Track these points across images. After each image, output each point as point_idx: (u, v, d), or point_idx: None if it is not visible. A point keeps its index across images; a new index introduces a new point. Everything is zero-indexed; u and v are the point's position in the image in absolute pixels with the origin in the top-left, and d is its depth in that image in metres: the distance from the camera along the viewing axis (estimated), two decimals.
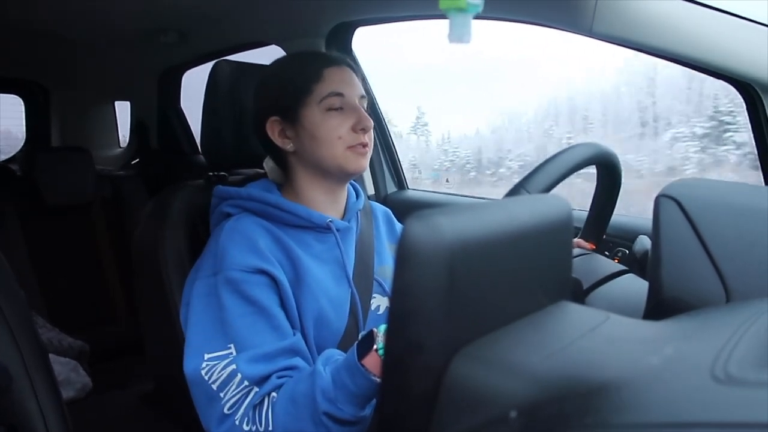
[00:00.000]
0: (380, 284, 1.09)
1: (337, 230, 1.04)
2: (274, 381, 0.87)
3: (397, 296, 0.43)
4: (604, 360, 0.43)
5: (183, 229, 1.16)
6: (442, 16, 0.63)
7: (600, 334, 0.48)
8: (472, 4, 0.61)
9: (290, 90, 1.02)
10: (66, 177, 2.15)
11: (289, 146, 1.04)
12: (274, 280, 0.94)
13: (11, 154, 2.94)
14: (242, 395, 0.86)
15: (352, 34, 1.91)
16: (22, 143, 2.95)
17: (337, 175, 1.04)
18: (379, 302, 1.08)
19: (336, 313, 1.00)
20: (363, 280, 1.06)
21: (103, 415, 1.68)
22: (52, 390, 0.99)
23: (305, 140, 1.02)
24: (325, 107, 1.00)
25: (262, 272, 0.93)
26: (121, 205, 2.30)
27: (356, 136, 1.00)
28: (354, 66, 1.07)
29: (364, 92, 1.05)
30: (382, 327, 0.84)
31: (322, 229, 1.03)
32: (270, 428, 0.84)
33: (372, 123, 1.02)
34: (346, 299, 1.03)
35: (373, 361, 0.81)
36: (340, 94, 1.00)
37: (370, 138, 1.03)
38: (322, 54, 1.11)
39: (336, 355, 0.90)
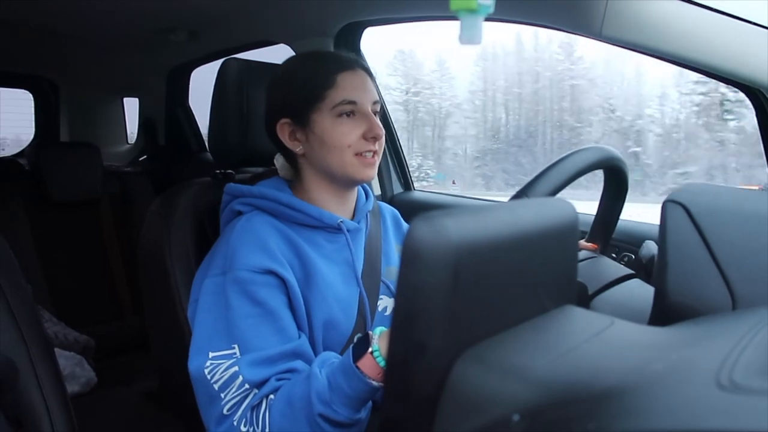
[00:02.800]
0: (387, 286, 1.09)
1: (348, 231, 1.04)
2: (273, 383, 0.87)
3: (401, 297, 0.43)
4: (609, 365, 0.43)
5: (189, 227, 1.16)
6: (452, 17, 0.63)
7: (604, 339, 0.48)
8: (483, 5, 0.61)
9: (302, 94, 1.00)
10: (73, 172, 2.16)
11: (298, 149, 1.03)
12: (282, 282, 0.94)
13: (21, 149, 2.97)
14: (242, 397, 0.86)
15: (361, 34, 1.91)
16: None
17: (345, 182, 1.03)
18: (386, 303, 1.08)
19: (344, 315, 1.00)
20: (371, 281, 1.06)
21: (107, 410, 1.69)
22: (57, 384, 1.00)
23: (315, 145, 1.01)
24: (337, 113, 0.99)
25: (271, 273, 0.93)
26: (127, 202, 2.31)
27: (366, 143, 0.99)
28: (369, 69, 1.05)
29: (377, 97, 1.03)
30: (378, 329, 0.84)
31: (332, 229, 1.03)
32: (267, 430, 0.84)
33: (383, 131, 1.00)
34: (355, 300, 1.02)
35: (368, 364, 0.81)
36: (352, 102, 0.99)
37: (380, 145, 1.01)
38: (336, 57, 1.07)
39: (332, 357, 0.90)
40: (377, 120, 1.01)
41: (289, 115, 1.02)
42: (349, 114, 0.99)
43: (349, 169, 1.00)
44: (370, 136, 0.99)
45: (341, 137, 0.98)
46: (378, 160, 1.02)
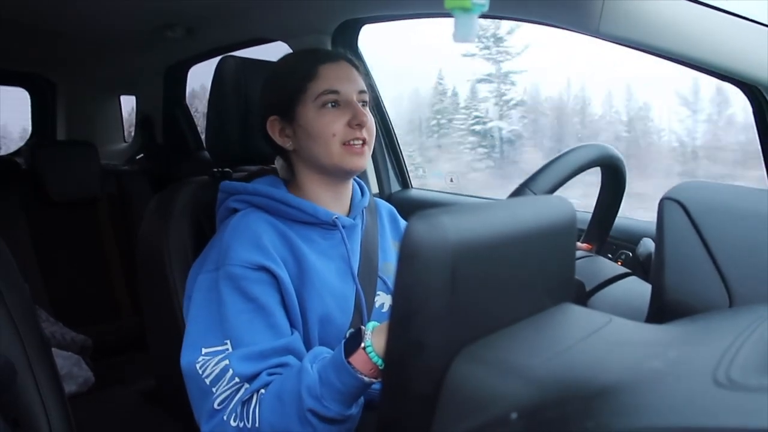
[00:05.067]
0: (384, 282, 1.09)
1: (343, 227, 1.04)
2: (264, 378, 0.87)
3: (399, 295, 0.43)
4: (606, 363, 0.43)
5: (187, 225, 1.16)
6: (449, 15, 0.63)
7: (602, 336, 0.48)
8: (477, 4, 0.61)
9: (286, 89, 1.02)
10: (71, 171, 2.15)
11: (288, 145, 1.04)
12: (275, 278, 0.94)
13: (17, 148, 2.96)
14: (233, 391, 0.86)
15: (358, 31, 1.91)
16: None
17: (336, 173, 1.03)
18: (383, 300, 1.08)
19: (341, 310, 1.00)
20: (367, 277, 1.06)
21: (105, 409, 1.69)
22: (54, 384, 0.99)
23: (302, 138, 1.01)
24: (320, 104, 1.00)
25: (264, 269, 0.93)
26: (125, 200, 2.31)
27: (351, 131, 0.99)
28: (354, 61, 1.06)
29: (364, 87, 1.04)
30: (370, 325, 0.84)
31: (328, 225, 1.03)
32: (257, 425, 0.84)
33: (368, 118, 1.01)
34: (351, 296, 1.03)
35: (360, 359, 0.81)
36: (335, 91, 1.00)
37: (369, 133, 1.01)
38: (318, 51, 1.09)
39: (324, 352, 0.90)
40: (363, 109, 1.01)
41: (276, 112, 1.04)
42: (333, 104, 1.00)
43: (337, 159, 1.00)
44: (354, 124, 0.99)
45: (325, 127, 0.99)
46: (368, 150, 1.02)
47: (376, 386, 0.84)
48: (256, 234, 0.96)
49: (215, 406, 0.87)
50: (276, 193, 1.01)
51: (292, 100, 1.01)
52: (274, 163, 1.17)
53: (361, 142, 1.00)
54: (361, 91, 1.03)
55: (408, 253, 0.42)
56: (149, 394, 1.74)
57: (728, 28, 1.06)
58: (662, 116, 2.35)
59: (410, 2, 1.62)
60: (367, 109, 1.03)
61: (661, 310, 0.62)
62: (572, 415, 0.38)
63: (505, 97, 2.64)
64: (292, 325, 0.95)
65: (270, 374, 0.88)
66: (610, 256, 1.36)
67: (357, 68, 1.05)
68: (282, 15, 1.86)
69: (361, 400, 0.87)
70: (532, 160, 2.65)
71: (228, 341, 0.89)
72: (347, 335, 0.85)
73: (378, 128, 1.15)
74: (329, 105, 1.00)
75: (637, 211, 1.51)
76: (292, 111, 1.02)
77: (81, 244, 2.18)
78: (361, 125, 0.99)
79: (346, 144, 0.99)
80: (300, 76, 1.01)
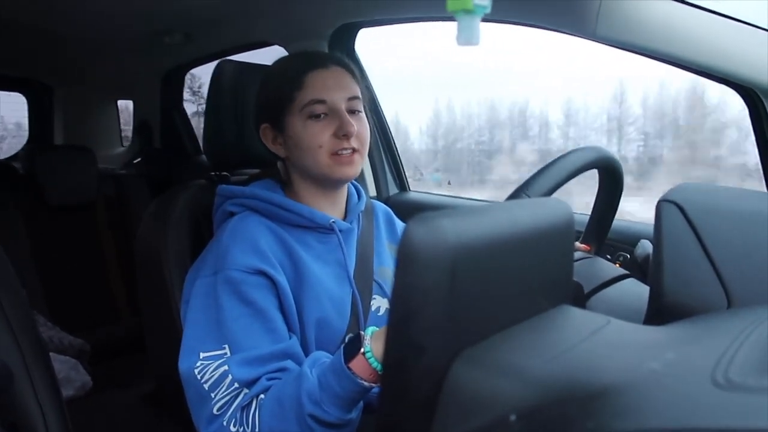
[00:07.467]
0: (380, 285, 1.09)
1: (340, 231, 1.04)
2: (263, 383, 0.87)
3: (398, 298, 0.43)
4: (605, 364, 0.43)
5: (185, 229, 1.16)
6: (447, 18, 0.63)
7: (601, 338, 0.48)
8: (480, 5, 0.61)
9: (274, 98, 1.01)
10: (68, 176, 2.15)
11: (281, 152, 1.04)
12: (273, 282, 0.93)
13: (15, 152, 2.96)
14: (232, 397, 0.86)
15: (355, 35, 1.91)
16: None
17: (327, 182, 1.03)
18: (379, 303, 1.08)
19: (338, 314, 1.00)
20: (364, 281, 1.06)
21: (103, 414, 1.68)
22: (52, 388, 0.99)
23: (291, 148, 1.01)
24: (307, 115, 0.98)
25: (262, 273, 0.93)
26: (123, 205, 2.31)
27: (339, 141, 0.97)
28: (348, 65, 1.04)
29: (356, 93, 1.01)
30: (369, 330, 0.84)
31: (324, 229, 1.03)
32: (257, 430, 0.84)
33: (356, 127, 0.98)
34: (348, 300, 1.02)
35: (359, 365, 0.81)
36: (321, 101, 0.98)
37: (360, 141, 0.99)
38: (306, 57, 1.05)
39: (323, 357, 0.89)
40: (352, 117, 0.99)
41: (267, 120, 1.03)
42: (321, 114, 0.98)
43: (325, 170, 0.99)
44: (341, 134, 0.97)
45: (312, 138, 0.98)
46: (359, 157, 1.00)
47: (376, 390, 0.84)
48: (254, 238, 0.96)
49: (214, 411, 0.86)
50: (273, 197, 1.01)
51: (281, 109, 1.00)
52: (271, 166, 1.17)
53: (349, 151, 0.98)
54: (352, 98, 1.00)
55: (407, 256, 0.42)
56: (148, 396, 1.74)
57: (726, 32, 1.06)
58: None
59: (409, 5, 1.62)
60: (362, 114, 1.02)
61: (659, 312, 0.62)
62: (572, 417, 0.38)
63: None
64: (290, 329, 0.95)
65: (269, 379, 0.87)
66: (608, 257, 1.36)
67: (351, 72, 1.03)
68: (278, 19, 1.86)
69: (361, 404, 0.87)
70: None
71: (226, 346, 0.89)
72: (346, 340, 0.85)
73: (375, 131, 1.14)
74: (316, 115, 0.98)
75: None
76: (282, 120, 1.01)
77: (79, 248, 2.18)
78: (348, 135, 0.97)
79: (334, 154, 0.98)
80: (287, 86, 0.99)
